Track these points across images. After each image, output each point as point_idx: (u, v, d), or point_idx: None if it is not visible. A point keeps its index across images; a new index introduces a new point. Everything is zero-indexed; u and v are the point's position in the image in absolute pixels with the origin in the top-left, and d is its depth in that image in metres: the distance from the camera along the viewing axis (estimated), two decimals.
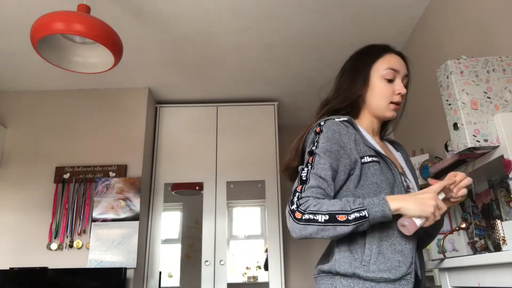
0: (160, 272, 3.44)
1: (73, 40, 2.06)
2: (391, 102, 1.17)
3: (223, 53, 3.11)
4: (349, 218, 0.94)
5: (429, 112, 2.61)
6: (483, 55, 1.74)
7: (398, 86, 1.17)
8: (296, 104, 3.95)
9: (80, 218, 3.19)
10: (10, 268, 2.85)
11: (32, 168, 3.33)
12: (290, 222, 0.99)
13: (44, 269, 2.83)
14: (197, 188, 3.78)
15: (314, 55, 3.16)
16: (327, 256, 1.12)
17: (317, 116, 1.20)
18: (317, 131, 1.09)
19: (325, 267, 1.07)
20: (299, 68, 3.33)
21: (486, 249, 1.82)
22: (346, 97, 1.20)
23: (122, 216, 3.15)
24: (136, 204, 3.19)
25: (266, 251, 3.66)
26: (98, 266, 2.99)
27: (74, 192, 3.26)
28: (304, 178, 1.03)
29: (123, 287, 2.79)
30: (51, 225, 3.14)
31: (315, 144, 1.07)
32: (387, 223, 1.02)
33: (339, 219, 0.94)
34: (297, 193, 1.01)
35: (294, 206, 0.98)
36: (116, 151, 3.39)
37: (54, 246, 3.09)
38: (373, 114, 1.20)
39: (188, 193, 3.95)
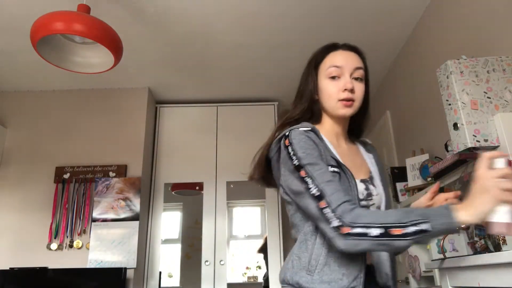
0: (160, 272, 3.45)
1: (73, 40, 2.06)
2: (340, 100, 1.11)
3: (223, 53, 3.11)
4: (407, 231, 0.84)
5: (429, 112, 2.61)
6: (483, 55, 1.74)
7: (343, 82, 1.12)
8: None
9: (80, 218, 3.19)
10: (10, 268, 2.85)
11: (32, 168, 3.33)
12: (340, 242, 0.90)
13: (44, 269, 2.83)
14: (197, 188, 3.78)
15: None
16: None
17: (278, 126, 1.17)
18: (286, 144, 1.05)
19: (279, 274, 1.06)
20: (299, 68, 3.30)
21: (486, 249, 1.82)
22: (302, 105, 1.18)
23: (122, 216, 3.15)
24: (136, 204, 3.19)
25: (266, 239, 3.66)
26: (98, 266, 2.99)
27: (74, 192, 3.26)
28: (318, 194, 0.95)
29: (123, 287, 2.79)
30: (51, 225, 3.14)
31: (294, 157, 1.02)
32: None
33: (394, 233, 0.85)
34: (326, 209, 0.93)
35: (336, 222, 0.90)
36: (116, 151, 3.39)
37: (54, 246, 3.09)
38: (330, 116, 1.17)
39: (188, 193, 3.95)
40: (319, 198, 0.95)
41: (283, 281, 1.05)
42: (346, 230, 0.88)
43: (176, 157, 3.65)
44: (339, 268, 0.98)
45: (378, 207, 1.10)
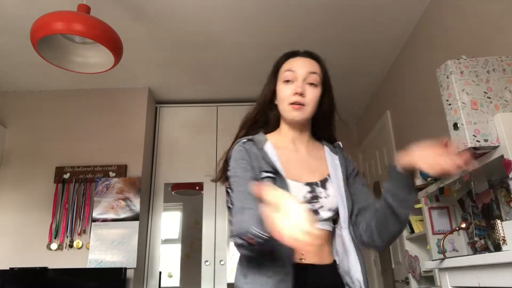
0: (160, 272, 3.44)
1: (73, 40, 2.06)
2: (290, 103, 1.15)
3: (223, 53, 3.11)
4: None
5: (429, 112, 2.61)
6: (483, 55, 1.74)
7: (294, 85, 1.15)
8: None
9: (80, 218, 3.19)
10: (10, 268, 2.85)
11: (32, 168, 3.33)
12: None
13: (44, 269, 2.83)
14: (197, 188, 3.78)
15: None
16: None
17: (237, 131, 1.25)
18: (228, 157, 1.15)
19: None
20: None
21: (486, 249, 1.82)
22: (257, 109, 1.24)
23: (122, 216, 3.15)
24: (136, 204, 3.19)
25: None
26: (98, 266, 2.99)
27: (74, 192, 3.26)
28: (231, 206, 1.05)
29: (123, 287, 2.79)
30: (51, 225, 3.14)
31: (229, 168, 1.12)
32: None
33: (248, 241, 0.95)
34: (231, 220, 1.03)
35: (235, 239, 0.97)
36: (116, 151, 3.39)
37: (54, 246, 3.09)
38: (286, 121, 1.21)
39: (188, 193, 3.95)
40: (230, 210, 1.06)
41: None
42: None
43: (176, 157, 3.65)
44: (266, 271, 1.02)
45: (331, 209, 1.11)
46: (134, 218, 3.15)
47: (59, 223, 3.16)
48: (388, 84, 3.46)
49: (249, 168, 1.09)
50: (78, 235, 3.15)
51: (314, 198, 1.10)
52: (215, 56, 3.15)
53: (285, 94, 1.16)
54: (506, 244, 1.37)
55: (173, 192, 3.89)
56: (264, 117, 1.24)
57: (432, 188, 2.12)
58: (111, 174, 3.29)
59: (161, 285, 3.51)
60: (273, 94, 1.22)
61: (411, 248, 2.50)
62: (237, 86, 3.64)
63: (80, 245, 3.10)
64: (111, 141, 3.42)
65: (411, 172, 1.00)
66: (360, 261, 1.08)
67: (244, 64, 3.27)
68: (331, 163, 1.19)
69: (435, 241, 2.13)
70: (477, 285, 1.41)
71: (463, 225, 1.80)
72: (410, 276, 2.48)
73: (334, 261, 1.12)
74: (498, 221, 1.41)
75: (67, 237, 3.13)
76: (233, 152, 1.14)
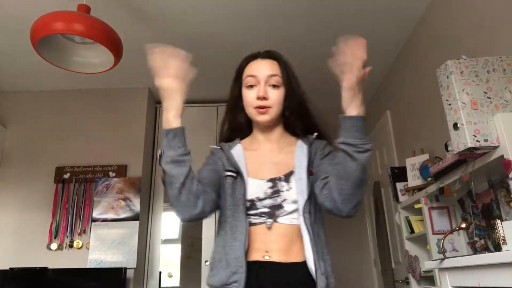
0: (160, 272, 3.45)
1: (73, 40, 2.06)
2: (254, 107, 1.20)
3: (223, 53, 3.11)
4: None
5: (429, 112, 2.61)
6: (483, 55, 1.74)
7: (257, 90, 1.20)
8: None
9: (80, 218, 3.19)
10: (10, 268, 2.85)
11: (32, 168, 3.33)
12: None
13: (44, 269, 2.83)
14: None
15: (314, 55, 3.16)
16: None
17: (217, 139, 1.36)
18: None
19: None
20: (299, 68, 3.32)
21: (486, 249, 1.82)
22: (227, 119, 1.32)
23: (122, 216, 3.15)
24: (136, 204, 3.19)
25: None
26: (98, 266, 2.99)
27: (74, 192, 3.26)
28: None
29: (123, 287, 2.79)
30: (51, 225, 3.14)
31: None
32: (227, 229, 1.15)
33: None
34: None
35: None
36: (116, 151, 3.39)
37: (54, 246, 3.09)
38: (254, 123, 1.27)
39: None
40: None
41: None
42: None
43: None
44: (226, 263, 1.11)
45: (295, 202, 1.14)
46: (134, 218, 3.15)
47: (59, 223, 3.16)
48: (388, 84, 3.46)
49: (210, 162, 1.25)
50: (78, 235, 3.15)
51: (275, 192, 1.15)
52: (215, 56, 3.15)
53: (249, 99, 1.21)
54: (506, 244, 1.37)
55: None
56: (236, 122, 1.30)
57: (432, 188, 2.12)
58: (111, 174, 3.29)
59: (161, 285, 3.51)
60: (238, 99, 1.27)
61: (411, 248, 2.50)
62: None
63: (80, 245, 3.10)
64: (111, 141, 3.42)
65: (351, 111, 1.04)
66: (313, 249, 1.11)
67: None
68: (299, 156, 1.20)
69: (435, 241, 2.13)
70: (477, 285, 1.41)
71: (463, 225, 1.80)
72: (410, 276, 2.48)
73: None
74: (498, 221, 1.41)
75: (67, 237, 3.13)
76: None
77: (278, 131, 1.27)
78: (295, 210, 1.14)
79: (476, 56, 1.73)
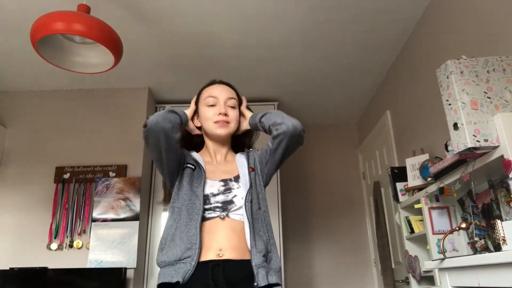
0: None
1: (73, 40, 2.06)
2: (215, 122, 1.42)
3: (223, 53, 3.11)
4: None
5: (429, 112, 2.61)
6: (483, 55, 1.74)
7: (218, 108, 1.44)
8: (296, 104, 3.95)
9: (80, 218, 3.19)
10: (10, 268, 2.85)
11: (32, 168, 3.33)
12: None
13: (44, 269, 2.83)
14: None
15: (314, 55, 3.16)
16: None
17: None
18: None
19: None
20: (299, 68, 3.33)
21: (486, 249, 1.82)
22: (183, 135, 1.50)
23: (122, 216, 3.15)
24: (136, 204, 3.19)
25: None
26: (98, 266, 2.99)
27: (74, 192, 3.26)
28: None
29: (123, 287, 2.79)
30: (51, 225, 3.14)
31: None
32: (183, 212, 1.29)
33: None
34: None
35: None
36: (116, 151, 3.39)
37: (54, 246, 3.09)
38: (209, 137, 1.49)
39: None
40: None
41: None
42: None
43: None
44: (180, 242, 1.25)
45: (243, 197, 1.33)
46: (134, 218, 3.15)
47: (59, 223, 3.16)
48: (388, 84, 3.46)
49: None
50: (78, 235, 3.15)
51: (227, 189, 1.35)
52: (215, 56, 3.15)
53: (209, 114, 1.44)
54: (506, 244, 1.37)
55: None
56: (189, 141, 1.53)
57: (432, 188, 2.12)
58: (111, 174, 3.29)
59: None
60: (192, 120, 1.51)
61: (411, 248, 2.50)
62: (237, 86, 3.62)
63: (80, 245, 3.10)
64: (111, 141, 3.42)
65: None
66: (250, 231, 1.27)
67: (244, 64, 3.27)
68: (239, 164, 1.44)
69: (435, 241, 2.13)
70: (477, 285, 1.41)
71: (463, 225, 1.80)
72: (410, 276, 2.48)
73: None
74: (498, 221, 1.41)
75: (67, 237, 3.13)
76: None
77: (227, 146, 1.51)
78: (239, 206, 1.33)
79: (476, 56, 1.73)
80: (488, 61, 1.69)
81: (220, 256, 1.24)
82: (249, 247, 1.25)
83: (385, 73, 3.47)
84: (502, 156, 1.53)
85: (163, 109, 1.36)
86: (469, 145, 1.56)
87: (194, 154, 1.44)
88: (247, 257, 1.26)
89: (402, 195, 2.59)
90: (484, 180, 1.88)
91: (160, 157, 1.33)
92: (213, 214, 1.30)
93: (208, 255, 1.24)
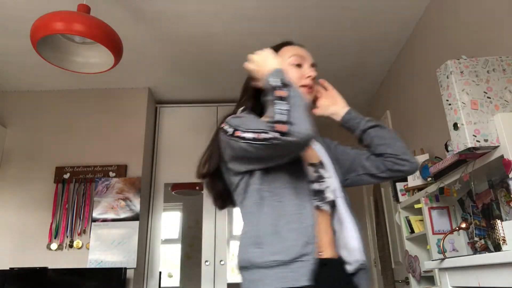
0: (160, 272, 3.44)
1: (73, 40, 2.06)
2: (301, 85, 1.15)
3: (223, 53, 3.11)
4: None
5: (429, 112, 2.61)
6: (483, 55, 1.74)
7: (307, 70, 1.18)
8: None
9: (80, 218, 3.19)
10: (10, 268, 2.85)
11: (32, 168, 3.33)
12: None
13: (44, 269, 2.83)
14: (197, 188, 3.78)
15: (314, 55, 3.16)
16: None
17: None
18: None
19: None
20: None
21: (486, 249, 1.82)
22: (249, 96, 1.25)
23: (122, 216, 3.15)
24: (136, 204, 3.19)
25: None
26: (98, 266, 2.99)
27: (74, 192, 3.26)
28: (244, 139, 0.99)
29: (123, 287, 2.79)
30: (51, 225, 3.14)
31: (227, 127, 1.05)
32: (285, 200, 0.99)
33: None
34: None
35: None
36: (116, 151, 3.39)
37: (54, 246, 3.09)
38: None
39: (188, 193, 3.94)
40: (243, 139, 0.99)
41: (238, 268, 1.01)
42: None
43: (176, 157, 3.65)
44: (289, 234, 0.95)
45: (334, 190, 1.10)
46: (134, 218, 3.15)
47: (59, 223, 3.16)
48: (388, 84, 3.46)
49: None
50: (78, 235, 3.15)
51: (320, 177, 1.10)
52: (215, 56, 3.15)
53: (295, 76, 1.15)
54: (506, 244, 1.37)
55: (173, 192, 3.89)
56: (252, 103, 1.23)
57: (432, 188, 2.12)
58: (111, 174, 3.29)
59: (161, 285, 3.50)
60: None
61: (411, 248, 2.50)
62: (237, 86, 3.59)
63: (80, 245, 3.10)
64: (111, 141, 3.42)
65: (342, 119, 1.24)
66: (356, 227, 1.07)
67: (244, 64, 3.26)
68: (317, 149, 1.20)
69: (435, 241, 2.13)
70: (477, 285, 1.41)
71: (463, 225, 1.80)
72: (410, 276, 2.48)
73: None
74: (498, 221, 1.41)
75: (67, 237, 3.13)
76: (234, 116, 1.12)
77: None
78: (332, 198, 1.10)
79: (476, 56, 1.73)
80: (488, 61, 1.69)
81: (321, 255, 1.00)
82: (363, 257, 1.06)
83: (385, 73, 3.47)
84: (502, 156, 1.53)
85: (287, 91, 0.97)
86: (469, 145, 1.56)
87: None
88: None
89: (402, 195, 2.59)
90: (484, 180, 1.88)
91: (263, 164, 1.03)
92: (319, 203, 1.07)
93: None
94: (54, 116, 3.51)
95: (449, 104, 1.67)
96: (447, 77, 1.69)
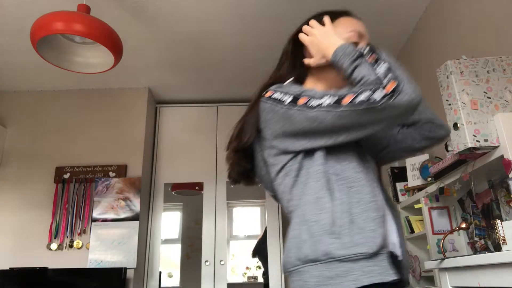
0: (160, 272, 3.44)
1: (73, 40, 2.06)
2: None
3: (223, 53, 3.11)
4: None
5: None
6: (483, 55, 1.74)
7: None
8: None
9: (80, 218, 3.19)
10: (10, 268, 2.85)
11: (32, 168, 3.33)
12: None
13: (44, 269, 2.83)
14: (197, 188, 3.78)
15: None
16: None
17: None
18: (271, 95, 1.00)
19: (285, 261, 0.89)
20: None
21: (486, 249, 1.82)
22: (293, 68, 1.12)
23: (122, 216, 3.15)
24: (136, 204, 3.19)
25: (258, 240, 3.65)
26: (98, 266, 2.99)
27: (74, 192, 3.26)
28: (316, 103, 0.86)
29: (123, 287, 2.79)
30: (51, 225, 3.14)
31: (280, 96, 0.94)
32: (354, 185, 0.87)
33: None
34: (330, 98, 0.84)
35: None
36: (116, 151, 3.39)
37: (54, 246, 3.09)
38: (330, 82, 1.05)
39: (188, 193, 3.95)
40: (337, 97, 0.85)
41: (297, 262, 0.85)
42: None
43: (176, 157, 3.65)
44: (367, 224, 0.83)
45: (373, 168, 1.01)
46: (134, 218, 3.15)
47: (59, 223, 3.16)
48: None
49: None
50: (78, 235, 3.15)
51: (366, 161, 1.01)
52: (215, 56, 3.15)
53: None
54: (506, 244, 1.37)
55: (173, 192, 3.89)
56: (295, 75, 1.09)
57: (432, 188, 2.12)
58: (111, 174, 3.29)
59: (161, 285, 3.51)
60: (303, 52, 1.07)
61: (411, 248, 2.50)
62: (237, 86, 3.64)
63: (80, 245, 3.10)
64: (111, 141, 3.42)
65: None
66: (395, 220, 0.96)
67: (244, 64, 3.27)
68: None
69: (435, 241, 2.13)
70: (477, 285, 1.41)
71: (463, 225, 1.80)
72: (410, 276, 2.48)
73: None
74: (498, 221, 1.41)
75: (67, 237, 3.13)
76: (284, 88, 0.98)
77: None
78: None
79: (476, 56, 1.73)
80: (488, 61, 1.69)
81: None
82: (403, 253, 0.97)
83: None
84: (502, 156, 1.53)
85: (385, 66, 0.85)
86: (469, 145, 1.56)
87: None
88: None
89: (402, 195, 2.59)
90: (484, 180, 1.89)
91: (336, 137, 0.87)
92: None
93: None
94: (54, 116, 3.51)
95: (449, 104, 1.67)
96: (447, 77, 1.69)
